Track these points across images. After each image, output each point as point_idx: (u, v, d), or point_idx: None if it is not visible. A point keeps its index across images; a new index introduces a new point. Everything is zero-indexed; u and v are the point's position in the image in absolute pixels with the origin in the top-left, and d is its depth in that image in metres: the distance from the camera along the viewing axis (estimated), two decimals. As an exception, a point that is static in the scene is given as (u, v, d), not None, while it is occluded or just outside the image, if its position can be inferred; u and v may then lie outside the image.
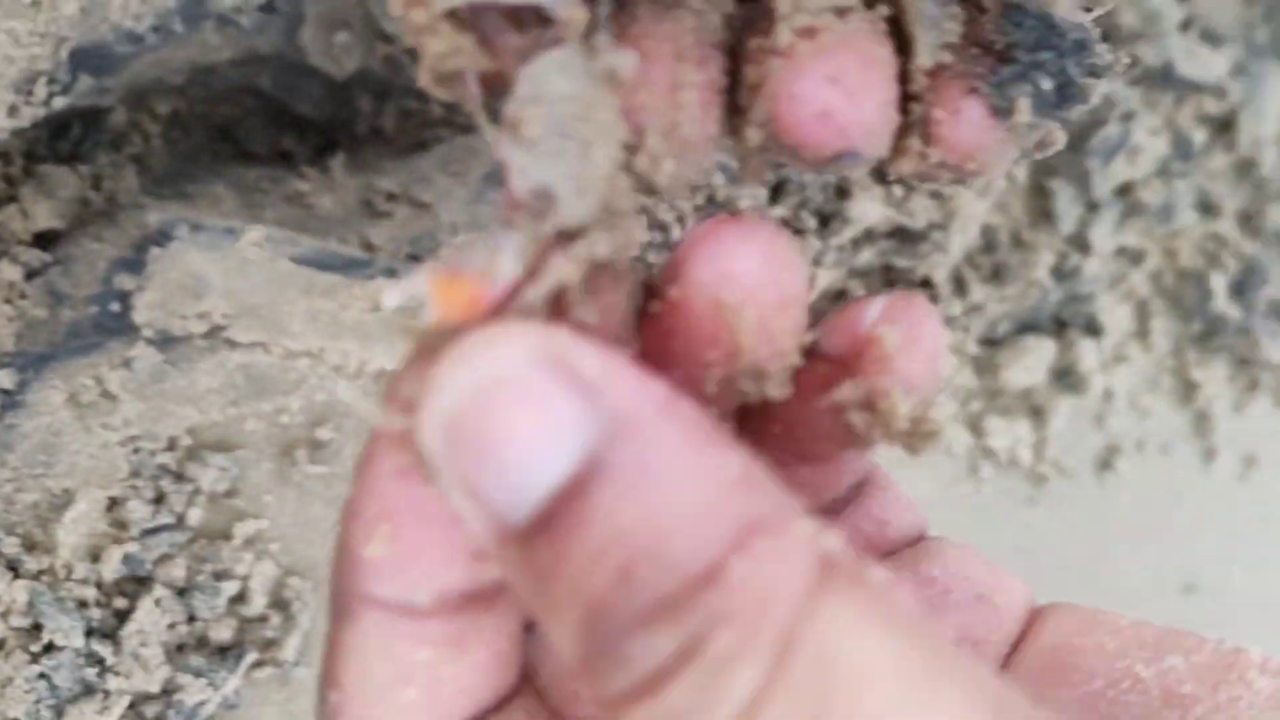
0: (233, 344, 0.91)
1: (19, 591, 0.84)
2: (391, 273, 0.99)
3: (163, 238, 0.94)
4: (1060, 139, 0.28)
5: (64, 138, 1.01)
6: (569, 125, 0.24)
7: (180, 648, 0.89)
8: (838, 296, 1.19)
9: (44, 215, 0.95)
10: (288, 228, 1.03)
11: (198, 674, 0.88)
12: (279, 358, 0.92)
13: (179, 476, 0.89)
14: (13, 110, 0.84)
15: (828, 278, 1.12)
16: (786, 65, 0.23)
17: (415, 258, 1.01)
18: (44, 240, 0.96)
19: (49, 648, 0.85)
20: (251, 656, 0.91)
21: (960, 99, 0.26)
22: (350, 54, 1.05)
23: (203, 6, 0.89)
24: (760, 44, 0.24)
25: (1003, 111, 0.26)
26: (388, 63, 1.08)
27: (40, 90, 0.86)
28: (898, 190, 1.10)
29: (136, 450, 0.88)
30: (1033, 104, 0.26)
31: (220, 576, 0.89)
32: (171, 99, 1.08)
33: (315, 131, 1.17)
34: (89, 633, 0.84)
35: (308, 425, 0.94)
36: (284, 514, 0.94)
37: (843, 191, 1.09)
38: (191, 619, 0.89)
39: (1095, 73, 0.26)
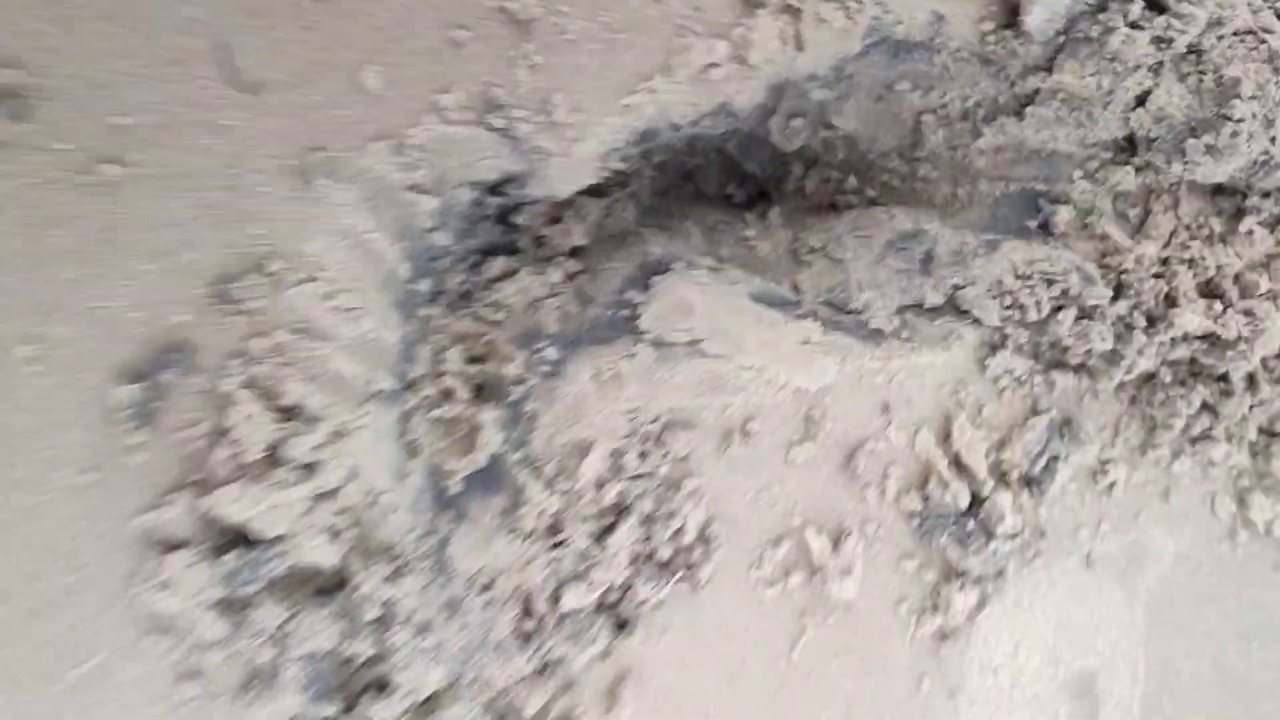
0: (704, 354, 1.27)
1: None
2: (815, 316, 1.32)
3: (662, 267, 1.30)
4: None
5: (592, 176, 1.39)
6: None
7: (636, 558, 1.28)
8: (1148, 378, 1.45)
9: (578, 234, 1.33)
10: (736, 264, 1.37)
11: (647, 578, 1.26)
12: (734, 368, 1.28)
13: (659, 442, 1.26)
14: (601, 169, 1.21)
15: (1144, 364, 1.38)
16: None
17: (830, 304, 1.34)
18: (576, 253, 1.34)
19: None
20: (680, 572, 1.28)
21: None
22: (799, 135, 1.37)
23: (726, 107, 1.22)
24: None
25: None
26: (824, 144, 1.40)
27: (613, 161, 1.22)
28: (1217, 305, 1.35)
29: (633, 419, 1.26)
30: None
31: (671, 515, 1.27)
32: (664, 153, 1.44)
33: (753, 184, 1.51)
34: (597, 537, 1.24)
35: (742, 419, 1.29)
36: (715, 478, 1.30)
37: (1171, 300, 1.34)
38: (648, 539, 1.27)
39: None
